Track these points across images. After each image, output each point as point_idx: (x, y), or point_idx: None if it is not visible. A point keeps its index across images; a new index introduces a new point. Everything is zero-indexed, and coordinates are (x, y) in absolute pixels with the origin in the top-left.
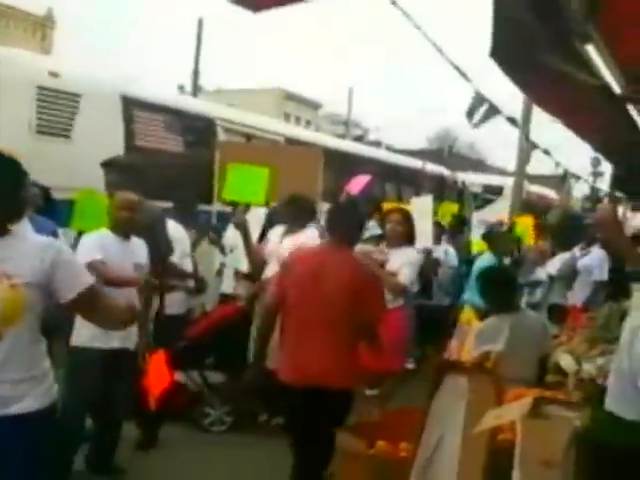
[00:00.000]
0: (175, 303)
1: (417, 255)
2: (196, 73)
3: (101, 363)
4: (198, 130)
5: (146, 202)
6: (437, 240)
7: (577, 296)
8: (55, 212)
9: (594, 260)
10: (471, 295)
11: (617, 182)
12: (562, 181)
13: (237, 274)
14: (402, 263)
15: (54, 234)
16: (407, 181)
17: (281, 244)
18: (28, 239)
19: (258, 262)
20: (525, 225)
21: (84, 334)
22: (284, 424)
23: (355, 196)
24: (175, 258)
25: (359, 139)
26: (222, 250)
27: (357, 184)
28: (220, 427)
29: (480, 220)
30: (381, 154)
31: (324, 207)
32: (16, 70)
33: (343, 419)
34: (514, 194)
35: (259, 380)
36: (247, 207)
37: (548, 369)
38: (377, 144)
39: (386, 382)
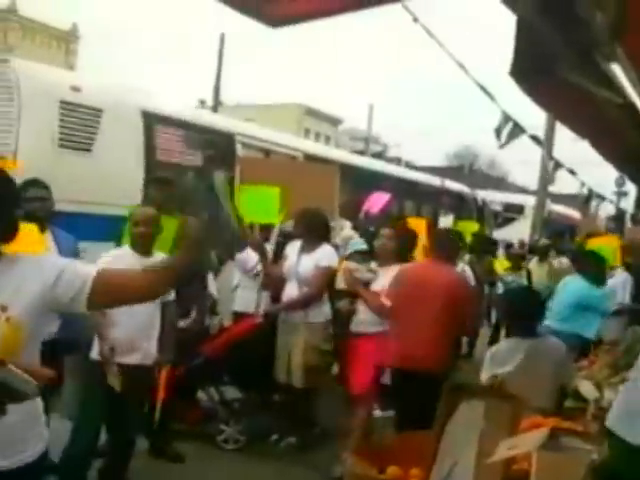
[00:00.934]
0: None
1: None
2: (217, 89)
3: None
4: (218, 145)
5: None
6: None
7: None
8: (76, 226)
9: (617, 282)
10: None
11: None
12: (586, 202)
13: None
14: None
15: (75, 251)
16: (426, 198)
17: (299, 263)
18: (23, 261)
19: (275, 280)
20: (611, 246)
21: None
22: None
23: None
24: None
25: (379, 155)
26: (264, 255)
27: (377, 203)
28: (234, 445)
29: (501, 240)
30: (400, 171)
31: (340, 223)
32: (39, 84)
33: (436, 400)
34: (535, 213)
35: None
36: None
37: (568, 394)
38: (397, 160)
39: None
